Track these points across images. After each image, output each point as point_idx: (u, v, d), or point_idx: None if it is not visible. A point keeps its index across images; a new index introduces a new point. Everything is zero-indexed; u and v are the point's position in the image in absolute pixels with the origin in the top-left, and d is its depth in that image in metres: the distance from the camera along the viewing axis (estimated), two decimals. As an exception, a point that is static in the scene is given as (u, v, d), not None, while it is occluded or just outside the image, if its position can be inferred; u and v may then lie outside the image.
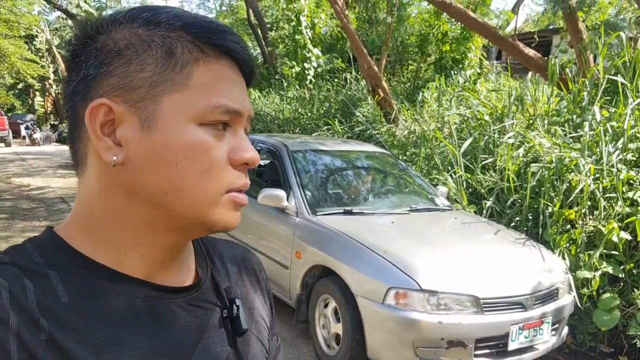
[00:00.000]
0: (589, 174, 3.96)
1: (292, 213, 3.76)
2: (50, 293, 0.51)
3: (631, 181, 4.00)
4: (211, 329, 0.61)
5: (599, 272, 3.55)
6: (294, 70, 11.63)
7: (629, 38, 5.75)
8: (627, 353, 3.60)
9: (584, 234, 3.78)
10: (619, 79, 4.62)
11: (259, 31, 16.41)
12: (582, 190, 3.91)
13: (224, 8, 29.00)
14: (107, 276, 0.55)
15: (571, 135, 4.77)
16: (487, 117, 5.80)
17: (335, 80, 11.45)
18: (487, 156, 5.12)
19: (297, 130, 9.61)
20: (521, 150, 4.77)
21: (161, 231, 0.57)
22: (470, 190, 5.00)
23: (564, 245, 3.78)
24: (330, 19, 12.58)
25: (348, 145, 5.05)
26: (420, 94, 8.66)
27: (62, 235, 0.56)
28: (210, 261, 0.67)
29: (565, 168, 4.17)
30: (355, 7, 14.78)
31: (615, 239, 3.59)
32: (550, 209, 4.06)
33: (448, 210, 4.20)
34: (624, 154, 4.18)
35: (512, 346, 2.94)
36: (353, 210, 3.79)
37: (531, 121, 5.29)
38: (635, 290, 3.55)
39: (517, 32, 7.26)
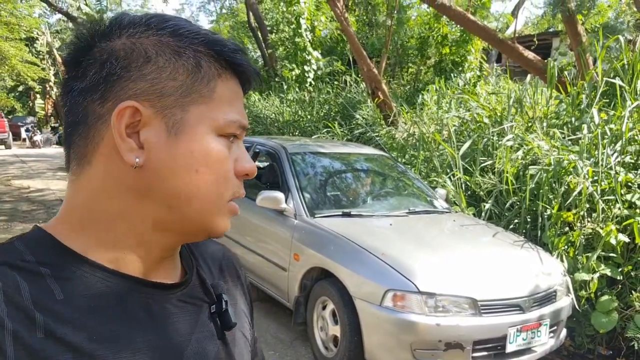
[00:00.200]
0: (587, 176, 3.96)
1: (291, 215, 3.77)
2: (45, 291, 0.51)
3: (629, 184, 4.00)
4: (201, 324, 0.62)
5: (597, 275, 3.56)
6: (293, 72, 11.64)
7: (627, 41, 5.76)
8: (625, 355, 3.60)
9: (582, 237, 3.79)
10: (617, 81, 4.63)
11: (259, 34, 16.45)
12: (580, 193, 3.91)
13: (224, 11, 29.08)
14: (102, 274, 0.55)
15: (570, 137, 4.78)
16: (486, 120, 5.80)
17: (335, 82, 11.46)
18: (486, 159, 5.13)
19: (296, 133, 9.62)
20: (520, 153, 4.77)
21: (165, 233, 0.59)
22: (469, 192, 5.00)
23: (562, 248, 3.78)
24: (330, 21, 12.61)
25: (347, 148, 5.06)
26: (420, 96, 8.67)
27: (52, 233, 0.56)
28: (194, 259, 0.69)
29: (563, 170, 4.18)
30: (355, 10, 14.81)
31: (613, 241, 3.60)
32: (548, 212, 4.07)
33: (447, 212, 4.20)
34: (622, 156, 4.18)
35: (510, 348, 2.94)
36: (351, 213, 3.79)
37: (530, 124, 5.30)
38: (633, 292, 3.55)
39: (516, 35, 7.27)
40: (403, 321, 2.83)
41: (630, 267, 3.66)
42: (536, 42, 8.46)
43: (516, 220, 4.40)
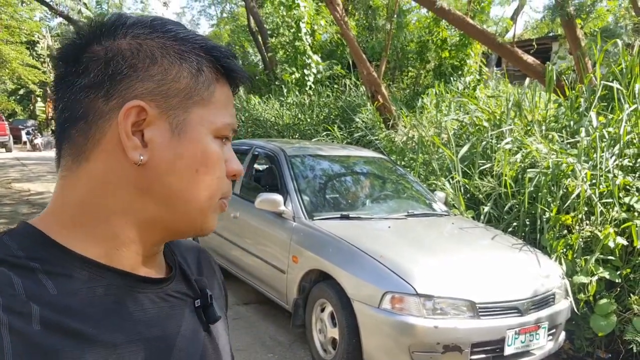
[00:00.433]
0: (585, 179, 3.97)
1: (289, 217, 3.77)
2: (38, 285, 0.51)
3: (627, 187, 4.01)
4: (187, 318, 0.64)
5: (596, 278, 3.56)
6: (293, 76, 11.66)
7: (626, 45, 5.78)
8: (624, 358, 3.60)
9: (580, 239, 3.79)
10: (615, 85, 4.65)
11: (260, 37, 16.49)
12: (578, 196, 3.92)
13: (225, 15, 29.16)
14: (94, 269, 0.56)
15: (568, 141, 4.79)
16: (485, 123, 5.82)
17: (335, 86, 11.48)
18: (484, 162, 5.13)
19: (296, 136, 9.63)
20: (519, 156, 4.78)
21: (158, 230, 0.60)
22: (468, 195, 5.01)
23: (561, 251, 3.78)
24: (330, 25, 12.63)
25: (346, 151, 5.07)
26: (420, 100, 8.68)
27: (42, 229, 0.56)
28: (174, 255, 0.70)
29: (562, 173, 4.19)
30: (355, 13, 14.85)
31: (611, 244, 3.60)
32: (547, 214, 4.07)
33: (445, 215, 4.20)
34: (620, 159, 4.19)
35: (508, 351, 2.94)
36: (350, 215, 3.80)
37: (529, 127, 5.31)
38: (631, 295, 3.55)
39: (516, 39, 7.30)
40: (401, 323, 2.83)
41: (628, 270, 3.67)
42: (535, 46, 8.49)
43: (515, 223, 4.40)
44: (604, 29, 6.80)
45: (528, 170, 4.50)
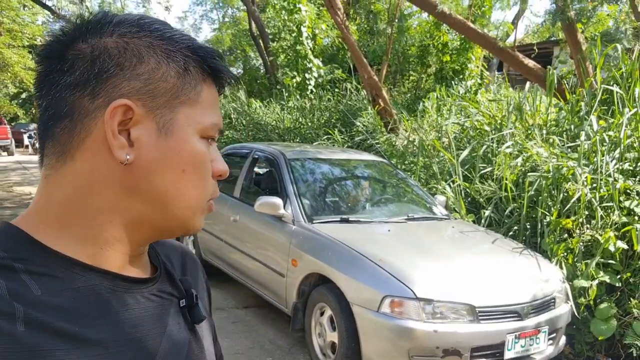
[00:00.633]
0: (586, 183, 3.97)
1: (289, 221, 3.77)
2: (22, 285, 0.51)
3: (628, 190, 4.00)
4: (173, 318, 0.63)
5: (596, 282, 3.55)
6: (295, 80, 11.68)
7: (626, 49, 5.78)
8: (625, 363, 3.58)
9: (581, 243, 3.78)
10: (616, 89, 4.65)
11: (261, 42, 16.56)
12: (579, 200, 3.92)
13: (226, 19, 29.25)
14: (78, 269, 0.55)
15: (569, 145, 4.79)
16: (486, 127, 5.82)
17: (336, 90, 11.49)
18: (485, 165, 5.13)
19: (297, 140, 9.63)
20: (519, 160, 4.78)
21: (145, 229, 0.60)
22: (468, 199, 5.00)
23: (562, 255, 3.77)
24: (331, 29, 12.66)
25: (346, 154, 5.07)
26: (421, 104, 8.68)
27: (24, 228, 0.55)
28: (158, 255, 0.70)
29: (562, 177, 4.18)
30: (356, 18, 14.90)
31: (612, 248, 3.59)
32: (547, 218, 4.06)
33: (446, 219, 4.20)
34: (621, 163, 4.19)
35: (508, 355, 2.93)
36: (350, 219, 3.79)
37: (529, 131, 5.30)
38: (632, 299, 3.54)
39: (517, 44, 7.30)
40: (400, 327, 2.82)
41: (629, 274, 3.66)
42: (536, 51, 8.48)
43: (515, 227, 4.39)
44: (604, 33, 6.80)
45: (529, 174, 4.50)
